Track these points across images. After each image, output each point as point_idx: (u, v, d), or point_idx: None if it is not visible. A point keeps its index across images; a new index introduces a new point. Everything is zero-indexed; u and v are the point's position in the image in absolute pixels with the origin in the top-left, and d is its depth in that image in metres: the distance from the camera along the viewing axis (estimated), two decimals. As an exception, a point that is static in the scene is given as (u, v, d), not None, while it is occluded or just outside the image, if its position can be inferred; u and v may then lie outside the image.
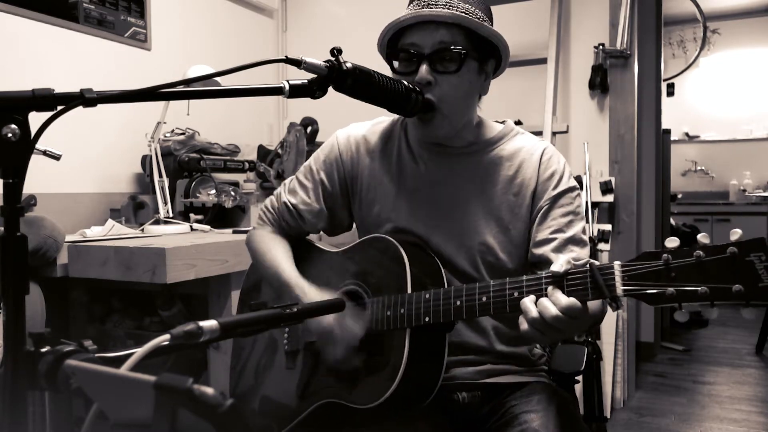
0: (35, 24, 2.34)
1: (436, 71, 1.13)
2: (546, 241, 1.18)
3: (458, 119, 1.20)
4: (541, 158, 1.23)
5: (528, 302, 0.94)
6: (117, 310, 2.47)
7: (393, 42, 1.19)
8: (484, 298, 1.02)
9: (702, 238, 0.84)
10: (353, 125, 1.35)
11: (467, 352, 1.21)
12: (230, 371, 1.43)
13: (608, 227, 3.03)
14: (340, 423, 1.17)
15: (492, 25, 1.19)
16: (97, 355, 0.66)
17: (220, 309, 2.00)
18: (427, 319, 1.06)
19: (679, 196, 5.83)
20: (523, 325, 0.95)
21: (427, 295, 1.07)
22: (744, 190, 6.14)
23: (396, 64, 1.18)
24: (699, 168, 6.43)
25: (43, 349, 0.65)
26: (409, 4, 1.19)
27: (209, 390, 0.49)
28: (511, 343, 1.25)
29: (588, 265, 0.92)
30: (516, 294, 0.98)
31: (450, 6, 1.13)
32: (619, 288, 0.88)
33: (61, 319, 2.26)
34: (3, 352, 1.11)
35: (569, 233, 1.19)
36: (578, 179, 3.08)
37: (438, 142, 1.25)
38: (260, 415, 1.29)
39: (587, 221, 2.97)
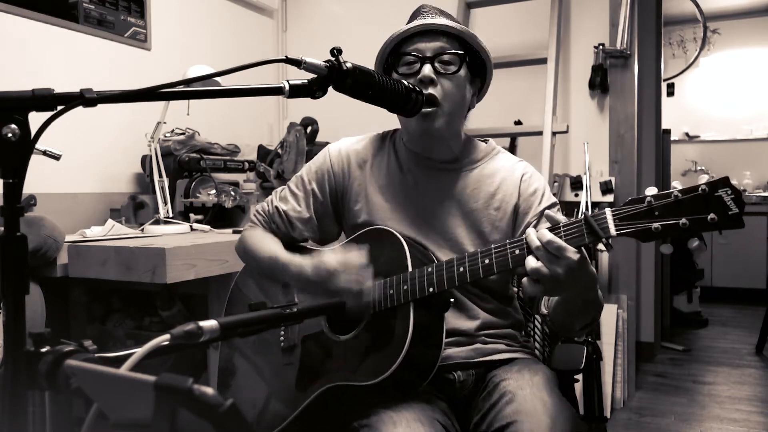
0: (35, 24, 2.34)
1: (438, 72, 1.25)
2: None
3: (453, 120, 1.29)
4: (522, 177, 1.33)
5: (531, 259, 1.02)
6: (117, 310, 2.47)
7: (392, 53, 1.30)
8: (487, 260, 1.08)
9: (676, 183, 0.94)
10: (344, 139, 1.43)
11: (459, 335, 1.27)
12: (218, 376, 1.43)
13: (608, 227, 3.02)
14: (341, 405, 1.19)
15: None
16: (97, 355, 0.66)
17: (220, 309, 1.99)
18: (431, 289, 1.12)
19: (680, 196, 5.83)
20: (525, 281, 1.03)
21: (429, 269, 1.13)
22: (744, 190, 6.13)
23: (399, 69, 1.28)
24: (699, 168, 6.42)
25: (43, 349, 0.65)
26: (408, 23, 1.31)
27: (209, 390, 0.49)
28: (500, 328, 1.32)
29: (582, 215, 1.01)
30: (518, 252, 1.06)
31: (445, 22, 1.28)
32: (612, 229, 0.98)
33: (61, 319, 2.26)
34: (3, 352, 1.11)
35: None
36: (578, 179, 3.08)
37: (426, 156, 1.34)
38: (260, 412, 1.30)
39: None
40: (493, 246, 1.09)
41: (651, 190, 0.97)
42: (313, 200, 1.38)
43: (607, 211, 0.99)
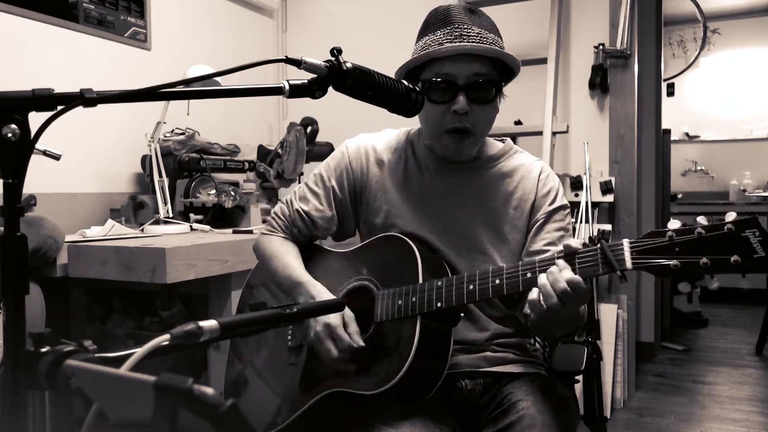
0: (35, 24, 2.34)
1: (472, 101, 1.21)
2: (539, 252, 1.25)
3: (483, 139, 1.32)
4: (539, 176, 1.33)
5: (544, 278, 1.01)
6: (117, 310, 2.47)
7: (418, 67, 1.26)
8: (498, 281, 1.07)
9: (701, 219, 0.91)
10: (361, 135, 1.41)
11: (468, 344, 1.26)
12: (226, 374, 1.43)
13: (608, 227, 3.03)
14: (343, 412, 1.19)
15: (502, 41, 1.28)
16: (97, 355, 0.66)
17: (220, 309, 2.00)
18: (439, 304, 1.10)
19: (679, 196, 5.83)
20: (532, 294, 1.02)
21: (439, 283, 1.12)
22: (744, 190, 6.13)
23: (430, 95, 1.23)
24: (699, 168, 6.43)
25: (43, 349, 0.65)
26: (432, 31, 1.24)
27: (209, 390, 0.49)
28: (509, 337, 1.30)
29: (599, 243, 0.98)
30: (529, 274, 1.04)
31: (481, 38, 1.20)
32: (629, 262, 0.94)
33: (61, 319, 2.26)
34: (3, 352, 1.11)
35: (560, 247, 1.23)
36: (578, 179, 3.08)
37: (447, 157, 1.32)
38: (261, 410, 1.30)
39: (587, 221, 2.97)
40: (504, 266, 1.08)
41: (674, 224, 0.94)
42: (334, 197, 1.36)
43: (625, 242, 0.96)
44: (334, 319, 1.15)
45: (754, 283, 5.43)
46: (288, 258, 1.33)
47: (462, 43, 1.19)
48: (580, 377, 1.42)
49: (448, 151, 1.28)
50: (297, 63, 0.93)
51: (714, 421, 2.90)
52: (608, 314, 2.97)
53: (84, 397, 0.59)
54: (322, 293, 1.22)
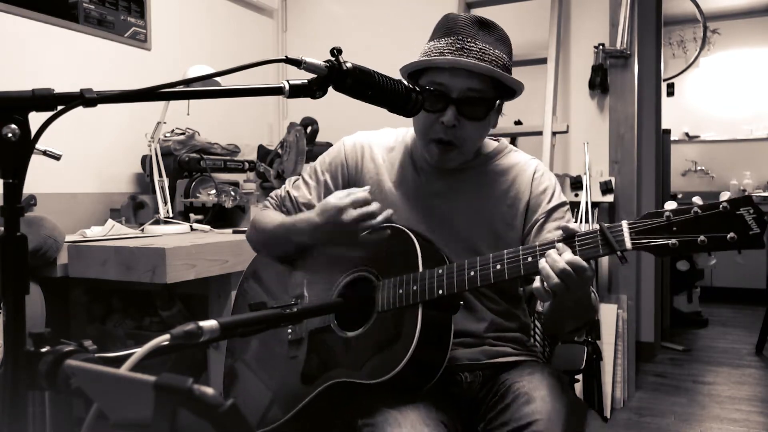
0: (35, 24, 2.34)
1: (462, 115, 1.22)
2: None
3: (472, 153, 1.32)
4: (534, 174, 1.34)
5: (543, 262, 1.02)
6: (117, 310, 2.47)
7: (420, 70, 1.26)
8: (499, 266, 1.07)
9: (696, 199, 0.96)
10: (360, 133, 1.43)
11: (466, 336, 1.27)
12: (224, 368, 1.43)
13: (608, 227, 3.02)
14: (345, 402, 1.19)
15: (511, 57, 1.27)
16: (97, 355, 0.66)
17: (220, 309, 2.00)
18: (440, 291, 1.11)
19: (679, 196, 5.82)
20: (536, 282, 1.03)
21: (440, 271, 1.12)
22: (744, 190, 6.12)
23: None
24: (699, 168, 6.42)
25: (43, 349, 0.65)
26: (437, 38, 1.24)
27: (209, 390, 0.49)
28: (508, 331, 1.32)
29: (598, 226, 1.00)
30: (530, 258, 1.05)
31: (483, 53, 1.20)
32: (628, 242, 0.96)
33: (61, 319, 2.26)
34: (3, 352, 1.11)
35: None
36: (578, 179, 3.08)
37: None
38: (263, 404, 1.30)
39: (587, 221, 2.98)
40: (505, 252, 1.08)
41: (670, 205, 0.96)
42: (325, 191, 1.38)
43: (624, 223, 0.97)
44: (335, 201, 1.20)
45: (754, 283, 5.43)
46: (275, 216, 1.37)
47: (459, 58, 1.19)
48: (580, 377, 1.42)
49: (432, 159, 1.30)
50: (297, 63, 0.93)
51: (714, 421, 2.90)
52: (608, 314, 2.97)
53: (84, 397, 0.59)
54: (311, 218, 1.24)
